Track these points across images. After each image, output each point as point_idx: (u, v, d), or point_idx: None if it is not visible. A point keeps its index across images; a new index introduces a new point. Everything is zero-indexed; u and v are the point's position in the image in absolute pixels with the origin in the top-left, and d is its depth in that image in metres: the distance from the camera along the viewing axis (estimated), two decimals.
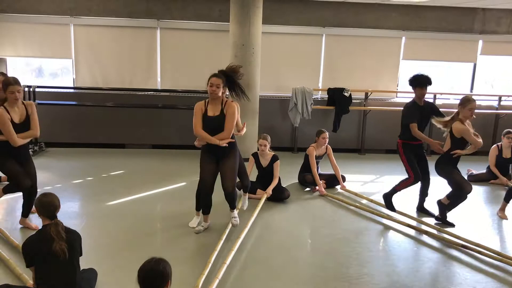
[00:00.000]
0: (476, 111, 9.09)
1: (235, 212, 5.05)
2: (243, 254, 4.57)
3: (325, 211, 5.99)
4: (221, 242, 4.68)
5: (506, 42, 9.21)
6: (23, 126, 4.69)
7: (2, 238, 4.73)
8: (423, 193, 5.87)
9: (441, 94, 8.66)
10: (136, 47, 8.81)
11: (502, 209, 5.96)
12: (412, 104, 5.55)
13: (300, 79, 8.86)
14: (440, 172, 5.45)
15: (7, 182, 6.34)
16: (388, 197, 5.80)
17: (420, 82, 5.42)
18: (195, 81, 8.81)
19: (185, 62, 8.87)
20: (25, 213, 5.03)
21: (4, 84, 4.60)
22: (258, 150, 6.32)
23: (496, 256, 4.69)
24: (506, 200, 5.85)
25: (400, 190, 5.72)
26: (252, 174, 6.29)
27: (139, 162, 8.03)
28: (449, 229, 5.35)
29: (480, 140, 5.21)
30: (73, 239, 3.39)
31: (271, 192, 6.09)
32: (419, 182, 5.70)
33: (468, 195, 5.41)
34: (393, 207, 5.79)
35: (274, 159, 6.20)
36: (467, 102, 5.15)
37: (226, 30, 7.93)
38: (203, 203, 5.02)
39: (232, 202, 4.95)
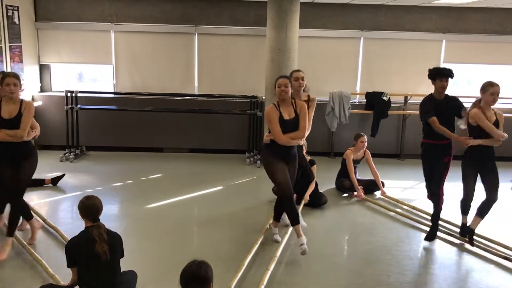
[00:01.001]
0: None
1: (303, 238, 4.53)
2: (282, 260, 4.54)
3: (364, 218, 5.89)
4: (256, 245, 4.68)
5: None
6: (9, 123, 4.45)
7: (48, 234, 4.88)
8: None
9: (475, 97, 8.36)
10: (174, 53, 8.93)
11: None
12: (428, 99, 5.04)
13: (338, 83, 8.76)
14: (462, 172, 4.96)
15: (50, 185, 6.58)
16: (434, 217, 5.24)
17: (439, 72, 4.93)
18: (232, 86, 8.87)
19: (222, 67, 8.93)
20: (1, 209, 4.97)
21: (2, 76, 4.51)
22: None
23: None
24: None
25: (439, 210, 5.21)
26: None
27: (177, 166, 8.13)
28: (495, 238, 5.12)
29: (503, 133, 4.70)
30: (114, 241, 3.46)
31: (308, 198, 6.03)
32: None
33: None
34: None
35: (310, 163, 6.14)
36: (488, 86, 4.68)
37: (262, 35, 7.94)
38: (289, 208, 4.64)
39: (293, 212, 4.63)
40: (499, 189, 4.85)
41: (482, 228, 5.28)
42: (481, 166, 4.86)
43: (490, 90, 4.70)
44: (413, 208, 6.14)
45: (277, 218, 5.05)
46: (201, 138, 8.92)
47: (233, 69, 8.91)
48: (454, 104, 4.98)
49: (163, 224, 5.45)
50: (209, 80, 9.00)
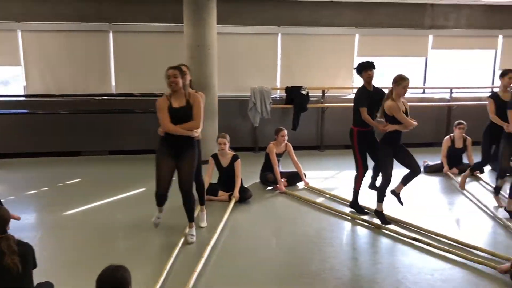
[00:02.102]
0: (429, 103, 9.45)
1: (193, 229, 4.86)
2: (210, 258, 4.51)
3: (288, 209, 6.02)
4: (178, 247, 4.62)
5: (455, 36, 9.52)
6: None
7: None
8: (376, 173, 5.89)
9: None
10: (88, 52, 8.58)
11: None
12: (362, 89, 5.58)
13: (258, 78, 8.87)
14: (380, 153, 5.44)
15: None
16: (355, 204, 5.83)
17: (364, 65, 5.52)
18: (152, 84, 8.65)
19: (140, 65, 8.71)
20: None
21: None
22: (218, 150, 6.26)
23: (452, 243, 4.84)
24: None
25: (359, 188, 5.78)
26: (213, 177, 6.25)
27: (96, 169, 7.83)
28: (407, 219, 5.46)
29: (412, 121, 5.19)
30: (25, 251, 3.26)
31: (238, 195, 6.03)
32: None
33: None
34: (363, 210, 5.79)
35: (234, 158, 6.17)
36: (400, 80, 5.14)
37: (181, 32, 7.83)
38: (159, 201, 4.81)
39: (190, 209, 4.78)
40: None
41: (395, 211, 5.64)
42: (397, 148, 5.32)
43: (402, 83, 5.15)
44: (334, 196, 6.36)
45: (189, 219, 4.91)
46: (122, 139, 8.66)
47: (152, 67, 8.70)
48: (379, 96, 5.50)
49: (83, 230, 5.22)
50: (127, 79, 8.75)
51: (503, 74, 5.95)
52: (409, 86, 5.18)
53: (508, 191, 5.70)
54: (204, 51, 7.51)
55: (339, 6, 9.02)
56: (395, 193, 5.54)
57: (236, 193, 6.03)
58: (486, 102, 6.07)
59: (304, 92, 8.67)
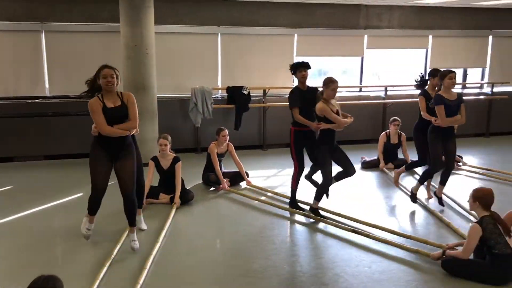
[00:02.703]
0: (365, 101, 9.76)
1: (135, 234, 4.68)
2: (152, 265, 4.43)
3: (231, 209, 6.03)
4: (114, 253, 4.50)
5: (388, 36, 9.90)
6: None
7: None
8: (315, 169, 5.99)
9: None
10: (19, 53, 8.18)
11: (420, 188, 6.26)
12: (295, 90, 5.69)
13: (199, 78, 8.81)
14: (318, 153, 5.56)
15: None
16: (292, 202, 5.91)
17: (298, 65, 5.62)
18: None
19: (75, 66, 8.40)
20: None
21: None
22: (158, 152, 6.16)
23: (389, 235, 5.04)
24: (421, 182, 6.04)
25: (296, 187, 5.86)
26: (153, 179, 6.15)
27: (30, 175, 7.48)
28: (345, 214, 5.63)
29: (345, 119, 5.37)
30: None
31: (179, 201, 5.94)
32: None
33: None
34: (299, 207, 5.89)
35: (175, 160, 6.09)
36: (330, 82, 5.29)
37: (117, 31, 7.63)
38: (93, 207, 4.61)
39: (132, 214, 4.62)
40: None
41: (334, 206, 5.80)
42: (332, 146, 5.46)
43: (331, 86, 5.30)
44: (276, 194, 6.44)
45: (89, 212, 4.70)
46: (58, 143, 8.33)
47: (88, 68, 8.30)
48: (314, 95, 5.58)
49: (15, 239, 4.98)
50: (62, 80, 8.43)
51: (432, 75, 6.13)
52: (337, 88, 5.34)
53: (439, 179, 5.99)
54: (142, 51, 7.37)
55: (277, 6, 9.13)
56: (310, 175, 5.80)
57: (177, 198, 5.93)
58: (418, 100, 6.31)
59: (245, 92, 8.71)
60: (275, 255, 4.68)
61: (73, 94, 8.20)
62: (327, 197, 5.77)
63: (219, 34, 8.99)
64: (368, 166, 7.90)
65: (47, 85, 8.39)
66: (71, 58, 8.38)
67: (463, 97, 5.73)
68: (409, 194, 6.11)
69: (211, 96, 8.59)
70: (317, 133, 5.56)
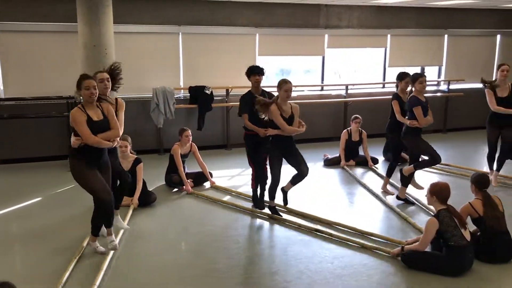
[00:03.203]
0: (326, 100, 9.88)
1: (113, 235, 4.65)
2: (110, 266, 4.36)
3: (194, 210, 5.99)
4: (75, 261, 4.40)
5: (348, 35, 10.06)
6: None
7: None
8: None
9: (295, 86, 9.13)
10: None
11: (385, 184, 6.50)
12: (246, 95, 5.64)
13: (160, 78, 8.71)
14: (269, 155, 5.53)
15: None
16: (254, 199, 5.92)
17: (252, 70, 5.60)
18: (46, 87, 8.16)
19: (32, 67, 8.15)
20: None
21: None
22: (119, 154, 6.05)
23: (351, 231, 5.13)
24: (388, 176, 6.38)
25: (255, 187, 5.86)
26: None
27: None
28: (308, 211, 5.69)
29: (293, 128, 5.25)
30: None
31: (137, 202, 5.87)
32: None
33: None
34: (262, 205, 5.85)
35: (136, 162, 6.00)
36: (283, 83, 5.26)
37: (75, 31, 7.44)
38: (110, 209, 4.48)
39: (110, 216, 4.57)
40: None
41: (297, 203, 5.88)
42: (284, 150, 5.41)
43: (284, 87, 5.25)
44: (240, 194, 6.44)
45: (95, 232, 4.63)
46: (14, 147, 8.06)
47: (45, 68, 8.21)
48: (268, 97, 5.55)
49: None
50: (17, 82, 8.15)
51: (400, 78, 6.21)
52: (292, 90, 5.27)
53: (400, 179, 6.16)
54: (101, 51, 7.19)
55: (238, 6, 9.13)
56: (284, 191, 5.67)
57: (135, 199, 5.85)
58: (390, 100, 6.29)
59: (208, 92, 8.67)
60: (239, 255, 4.68)
61: (30, 96, 7.98)
62: (286, 204, 5.72)
63: (180, 33, 8.91)
64: (330, 163, 8.01)
65: (1, 87, 8.10)
66: (27, 59, 8.12)
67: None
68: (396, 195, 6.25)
69: (173, 96, 8.50)
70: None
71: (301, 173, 5.45)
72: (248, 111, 5.48)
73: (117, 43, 7.52)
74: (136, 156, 6.08)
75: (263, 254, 4.74)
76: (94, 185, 4.38)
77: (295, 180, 5.54)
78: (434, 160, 5.86)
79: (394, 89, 6.52)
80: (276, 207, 5.71)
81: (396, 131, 6.17)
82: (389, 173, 6.42)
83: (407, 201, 6.09)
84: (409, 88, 6.06)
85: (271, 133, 5.31)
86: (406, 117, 5.91)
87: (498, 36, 11.25)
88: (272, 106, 5.22)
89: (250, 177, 5.93)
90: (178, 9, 8.79)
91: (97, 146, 4.35)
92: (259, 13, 9.32)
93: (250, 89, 5.71)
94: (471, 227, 4.58)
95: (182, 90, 9.02)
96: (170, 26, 8.79)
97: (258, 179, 5.79)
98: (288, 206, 5.78)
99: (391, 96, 6.27)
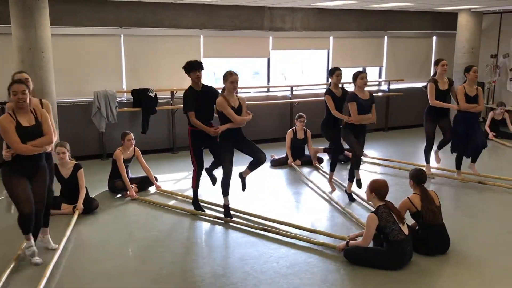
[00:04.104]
0: (273, 101, 9.95)
1: (48, 236, 4.55)
2: (51, 276, 4.18)
3: (139, 215, 5.88)
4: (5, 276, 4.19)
5: (291, 37, 10.20)
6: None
7: None
8: (217, 165, 5.94)
9: (241, 88, 9.18)
10: None
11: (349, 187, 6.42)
12: (189, 92, 5.59)
13: (102, 82, 8.46)
14: (219, 149, 5.54)
15: None
16: (193, 201, 5.93)
17: (192, 66, 5.56)
18: None
19: None
20: None
21: None
22: (57, 160, 5.83)
23: (297, 230, 5.19)
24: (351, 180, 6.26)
25: (196, 186, 5.86)
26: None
27: None
28: (256, 211, 5.71)
29: (241, 117, 5.31)
30: None
31: (82, 207, 5.68)
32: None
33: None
34: (201, 208, 5.89)
35: (76, 168, 5.81)
36: (228, 75, 5.29)
37: (8, 34, 7.11)
38: (27, 223, 4.25)
39: (27, 227, 4.29)
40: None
41: (244, 203, 5.92)
42: (235, 141, 5.45)
43: (230, 78, 5.27)
44: (186, 197, 6.37)
45: (24, 232, 4.35)
46: None
47: None
48: (210, 93, 5.56)
49: None
50: None
51: (331, 73, 6.43)
52: (238, 81, 5.30)
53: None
54: (38, 54, 6.90)
55: (182, 7, 9.04)
56: (242, 176, 5.68)
57: (80, 204, 5.68)
58: (324, 98, 6.46)
59: (151, 94, 8.53)
60: (185, 259, 4.64)
61: None
62: (244, 188, 5.73)
63: (122, 35, 8.70)
64: (277, 164, 8.08)
65: None
66: None
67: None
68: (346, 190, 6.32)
69: (115, 100, 8.29)
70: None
71: (259, 159, 5.43)
72: (194, 109, 5.43)
73: (55, 46, 7.24)
74: (75, 162, 5.88)
75: (209, 256, 4.71)
76: (17, 195, 4.21)
77: (253, 167, 5.52)
78: (354, 155, 6.09)
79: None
80: (229, 206, 5.62)
81: (334, 126, 6.37)
82: (332, 167, 6.56)
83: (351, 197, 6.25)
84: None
85: (222, 128, 5.30)
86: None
87: (434, 38, 11.76)
88: (219, 98, 5.26)
89: (192, 179, 5.89)
90: (119, 10, 8.58)
91: (27, 154, 4.17)
92: (204, 15, 9.27)
93: (190, 85, 5.64)
94: (411, 221, 4.76)
95: (125, 93, 8.81)
96: (111, 28, 8.57)
97: (198, 177, 5.80)
98: (236, 207, 5.78)
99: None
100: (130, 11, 8.67)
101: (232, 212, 5.66)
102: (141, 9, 8.74)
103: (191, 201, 6.16)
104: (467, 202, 6.31)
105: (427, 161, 7.18)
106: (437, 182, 7.02)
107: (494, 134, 9.78)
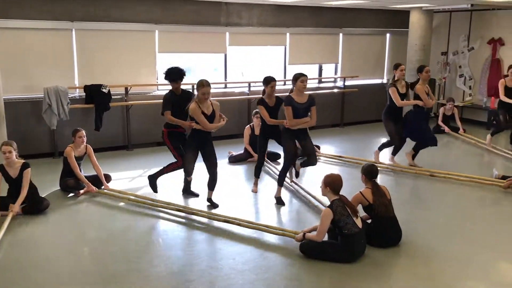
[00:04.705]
0: (230, 98, 9.93)
1: None
2: None
3: (91, 215, 5.73)
4: None
5: (248, 33, 10.18)
6: None
7: None
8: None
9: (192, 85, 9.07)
10: None
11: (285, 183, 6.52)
12: (169, 95, 5.95)
13: (53, 77, 8.15)
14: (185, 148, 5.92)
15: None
16: (154, 178, 6.14)
17: (172, 78, 5.88)
18: None
19: None
20: None
21: None
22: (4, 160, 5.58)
23: (252, 225, 5.19)
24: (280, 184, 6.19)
25: (167, 173, 6.09)
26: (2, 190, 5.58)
27: None
28: (213, 210, 5.68)
29: (212, 124, 5.60)
30: None
31: (18, 209, 5.42)
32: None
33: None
34: (156, 188, 6.16)
35: (24, 167, 5.56)
36: (200, 86, 5.48)
37: None
38: None
39: None
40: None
41: (201, 202, 5.86)
42: (201, 144, 5.72)
43: (201, 89, 5.50)
44: (138, 196, 6.19)
45: None
46: None
47: None
48: (188, 98, 5.91)
49: None
50: None
51: (266, 83, 6.28)
52: (209, 92, 5.51)
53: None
54: None
55: (136, 2, 8.84)
56: (210, 201, 5.90)
57: (16, 206, 5.40)
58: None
59: (105, 90, 8.30)
60: (140, 257, 4.54)
61: None
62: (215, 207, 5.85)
63: (73, 30, 8.42)
64: (235, 160, 8.06)
65: None
66: None
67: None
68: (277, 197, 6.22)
69: (66, 96, 8.01)
70: (189, 131, 5.81)
71: (213, 176, 5.81)
72: (171, 109, 5.79)
73: (1, 40, 6.95)
74: (23, 161, 5.64)
75: (164, 255, 4.64)
76: None
77: (211, 184, 5.86)
78: (285, 158, 6.03)
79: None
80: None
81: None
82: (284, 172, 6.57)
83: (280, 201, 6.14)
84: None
85: (196, 126, 5.54)
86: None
87: (388, 35, 12.04)
88: (192, 104, 5.49)
89: (169, 164, 6.10)
90: (70, 4, 8.30)
91: None
92: (158, 10, 9.11)
93: (171, 89, 6.00)
94: (363, 215, 4.85)
95: (77, 90, 8.54)
96: (62, 22, 8.27)
97: (178, 168, 6.06)
98: (190, 205, 5.74)
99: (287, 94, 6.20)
100: (82, 5, 8.40)
101: (189, 211, 5.64)
102: (93, 2, 8.49)
103: (143, 199, 6.02)
104: (418, 195, 6.51)
105: (394, 153, 7.56)
106: (390, 175, 7.20)
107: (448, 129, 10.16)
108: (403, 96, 7.23)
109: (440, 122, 10.29)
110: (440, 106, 10.79)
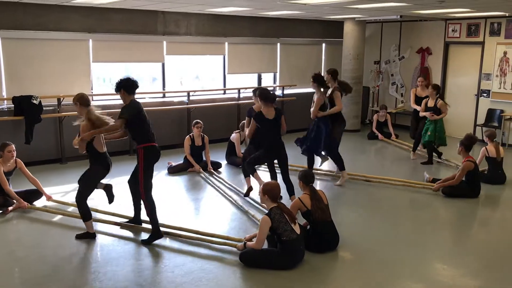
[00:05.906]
0: (169, 107, 9.80)
1: None
2: None
3: (21, 232, 5.44)
4: None
5: (186, 42, 10.11)
6: None
7: None
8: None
9: (139, 94, 8.83)
10: None
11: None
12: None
13: None
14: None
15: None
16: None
17: (128, 88, 5.22)
18: None
19: None
20: None
21: None
22: None
23: (195, 235, 5.13)
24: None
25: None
26: None
27: None
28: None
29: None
30: None
31: None
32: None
33: None
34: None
35: None
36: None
37: None
38: None
39: None
40: None
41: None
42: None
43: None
44: (71, 213, 5.97)
45: None
46: None
47: None
48: None
49: None
50: None
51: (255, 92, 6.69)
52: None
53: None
54: None
55: (67, 10, 8.53)
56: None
57: None
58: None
59: (35, 102, 7.93)
60: (72, 275, 4.35)
61: None
62: (110, 202, 5.50)
63: (0, 38, 8.01)
64: (175, 170, 7.95)
65: None
66: None
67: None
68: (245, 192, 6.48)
69: None
70: None
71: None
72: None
73: None
74: None
75: (99, 271, 4.46)
76: None
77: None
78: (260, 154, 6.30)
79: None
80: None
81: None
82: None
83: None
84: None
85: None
86: None
87: (323, 45, 12.38)
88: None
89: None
90: None
91: None
92: (92, 18, 8.84)
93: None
94: (302, 220, 4.93)
95: (5, 101, 8.11)
96: None
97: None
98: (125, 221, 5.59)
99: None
100: (8, 13, 7.99)
101: (125, 222, 5.51)
102: (21, 10, 8.11)
103: (77, 215, 5.76)
104: (354, 199, 6.70)
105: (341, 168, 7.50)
106: (325, 181, 7.36)
107: (382, 135, 10.56)
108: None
109: (374, 129, 10.69)
110: (374, 113, 11.20)
